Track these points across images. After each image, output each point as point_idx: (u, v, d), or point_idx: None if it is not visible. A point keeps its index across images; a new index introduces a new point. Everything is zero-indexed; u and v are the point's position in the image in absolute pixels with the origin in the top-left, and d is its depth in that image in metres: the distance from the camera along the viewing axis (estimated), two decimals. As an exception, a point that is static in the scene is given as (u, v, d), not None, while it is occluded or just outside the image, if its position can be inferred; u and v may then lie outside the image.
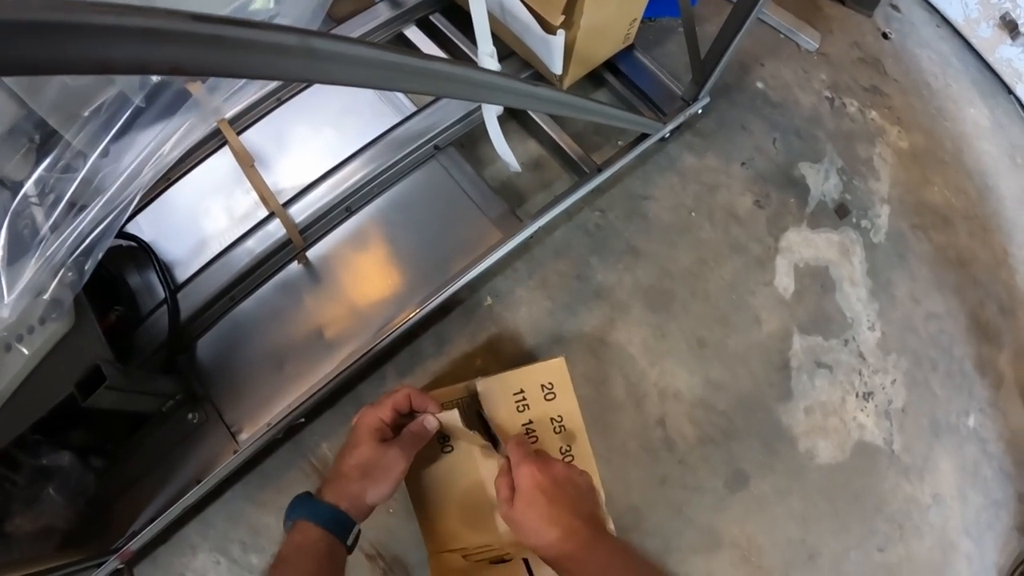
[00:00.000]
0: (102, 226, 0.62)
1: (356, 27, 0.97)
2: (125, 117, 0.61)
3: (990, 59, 1.42)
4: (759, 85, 1.10)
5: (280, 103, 0.97)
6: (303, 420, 0.80)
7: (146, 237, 0.85)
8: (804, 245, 1.01)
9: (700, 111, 0.94)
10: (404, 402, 0.58)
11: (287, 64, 0.30)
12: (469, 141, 0.98)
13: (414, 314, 0.82)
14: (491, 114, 0.82)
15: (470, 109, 0.90)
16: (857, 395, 1.00)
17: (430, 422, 0.58)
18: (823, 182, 1.06)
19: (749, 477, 0.91)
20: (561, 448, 0.69)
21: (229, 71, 0.27)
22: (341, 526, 0.49)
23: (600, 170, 0.89)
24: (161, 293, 0.81)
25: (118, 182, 0.65)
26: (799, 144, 1.07)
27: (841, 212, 1.06)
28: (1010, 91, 1.43)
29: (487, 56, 0.76)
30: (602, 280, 0.91)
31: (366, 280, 0.85)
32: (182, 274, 0.84)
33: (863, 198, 1.08)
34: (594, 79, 1.01)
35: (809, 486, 0.95)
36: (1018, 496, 1.13)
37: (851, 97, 1.16)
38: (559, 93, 0.67)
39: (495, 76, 0.54)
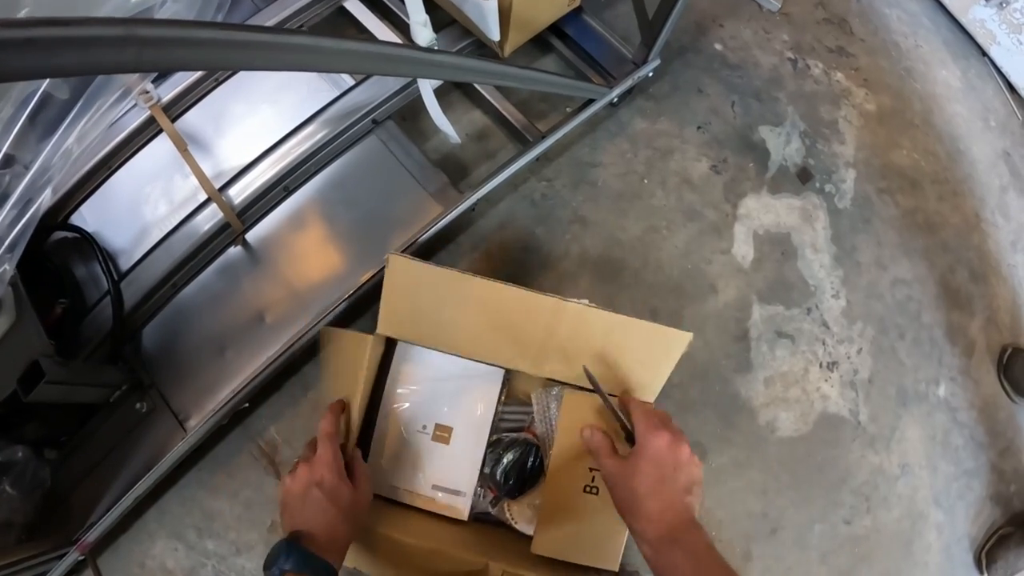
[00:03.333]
0: (24, 219, 0.61)
1: (291, 2, 0.94)
2: (49, 112, 0.61)
3: (963, 20, 1.40)
4: (717, 47, 1.08)
5: (218, 83, 0.97)
6: (247, 405, 0.82)
7: (89, 228, 0.86)
8: (764, 211, 0.99)
9: (651, 74, 0.93)
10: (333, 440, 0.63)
11: (192, 55, 0.32)
12: (411, 114, 0.96)
13: (351, 293, 0.83)
14: (426, 86, 0.82)
15: (408, 81, 0.89)
16: (821, 365, 0.98)
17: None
18: (784, 146, 1.04)
19: (707, 450, 0.90)
20: None
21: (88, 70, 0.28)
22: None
23: (544, 138, 0.86)
24: (106, 283, 0.82)
25: (31, 172, 0.63)
26: (759, 107, 1.05)
27: (804, 176, 1.04)
28: (983, 52, 1.42)
29: (420, 26, 0.76)
30: (548, 250, 0.89)
31: (306, 260, 0.86)
32: (126, 263, 0.85)
33: (827, 162, 1.07)
34: (540, 45, 0.99)
35: (770, 458, 0.94)
36: (991, 466, 1.12)
37: (815, 58, 1.14)
38: (491, 64, 0.67)
39: (413, 51, 0.55)
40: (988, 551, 1.10)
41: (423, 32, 0.78)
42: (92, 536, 0.74)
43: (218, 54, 0.33)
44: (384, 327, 0.72)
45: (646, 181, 0.97)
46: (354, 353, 0.70)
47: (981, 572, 1.10)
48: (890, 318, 1.07)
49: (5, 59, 0.24)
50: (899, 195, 1.14)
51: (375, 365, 0.75)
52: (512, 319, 0.68)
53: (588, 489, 0.67)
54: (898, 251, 1.11)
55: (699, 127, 1.02)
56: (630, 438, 0.58)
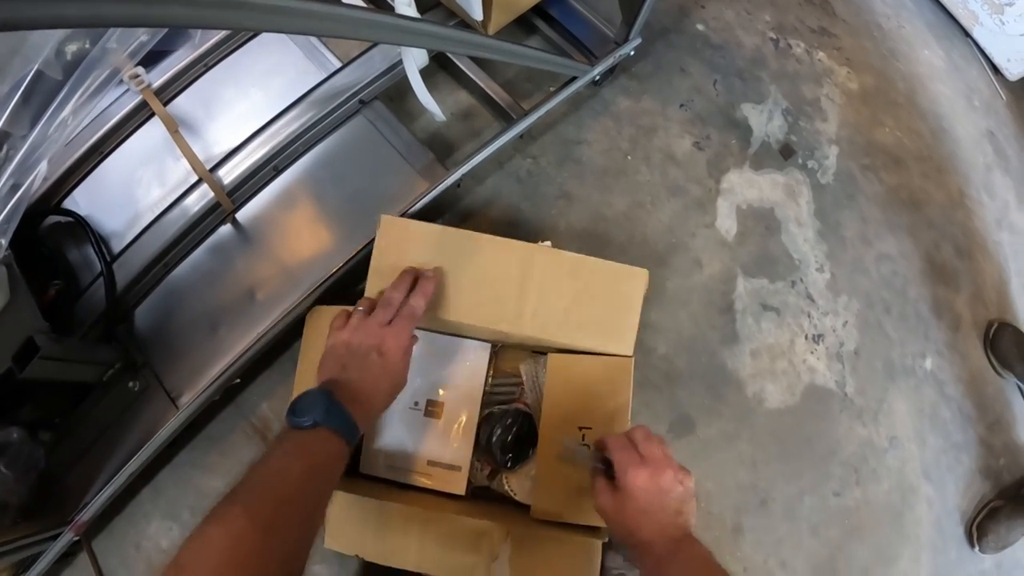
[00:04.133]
0: (17, 195, 0.63)
1: None
2: (43, 92, 0.62)
3: (946, 1, 1.42)
4: (699, 27, 1.10)
5: (207, 68, 1.00)
6: (239, 381, 0.82)
7: (82, 211, 0.87)
8: (747, 186, 1.01)
9: (632, 53, 0.94)
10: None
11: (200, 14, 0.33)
12: (398, 94, 0.97)
13: (339, 269, 0.84)
14: (411, 64, 0.85)
15: (394, 62, 0.91)
16: (807, 337, 1.00)
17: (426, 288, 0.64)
18: (767, 123, 1.06)
19: (695, 422, 0.92)
20: None
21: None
22: (355, 441, 0.52)
23: (527, 115, 0.87)
24: (99, 265, 0.84)
25: (23, 148, 0.64)
26: (741, 86, 1.07)
27: (786, 153, 1.06)
28: (967, 33, 1.44)
29: (404, 5, 0.78)
30: (534, 226, 0.91)
31: (295, 238, 0.88)
32: (118, 245, 0.86)
33: (810, 139, 1.09)
34: (524, 26, 1.01)
35: (758, 430, 0.95)
36: (979, 439, 1.14)
37: (797, 38, 1.16)
38: (472, 35, 0.68)
39: (399, 19, 0.57)
40: (979, 524, 1.11)
41: (407, 11, 0.80)
42: (85, 516, 0.75)
43: (210, 13, 0.34)
44: (372, 292, 0.73)
45: (630, 158, 0.98)
46: None
47: (972, 545, 1.11)
48: (876, 292, 1.09)
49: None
50: (883, 172, 1.16)
51: None
52: (489, 270, 0.69)
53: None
54: (883, 227, 1.12)
55: (682, 105, 1.04)
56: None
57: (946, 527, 1.09)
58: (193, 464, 0.84)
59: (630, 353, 0.69)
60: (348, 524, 0.71)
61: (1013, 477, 1.17)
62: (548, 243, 0.72)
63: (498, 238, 0.69)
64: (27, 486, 0.72)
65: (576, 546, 0.68)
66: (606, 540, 0.69)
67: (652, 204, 0.97)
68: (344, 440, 0.50)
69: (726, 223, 1.00)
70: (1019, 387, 1.20)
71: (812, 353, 1.02)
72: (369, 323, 0.59)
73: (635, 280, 0.69)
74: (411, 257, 0.70)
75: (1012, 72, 1.41)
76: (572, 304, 0.69)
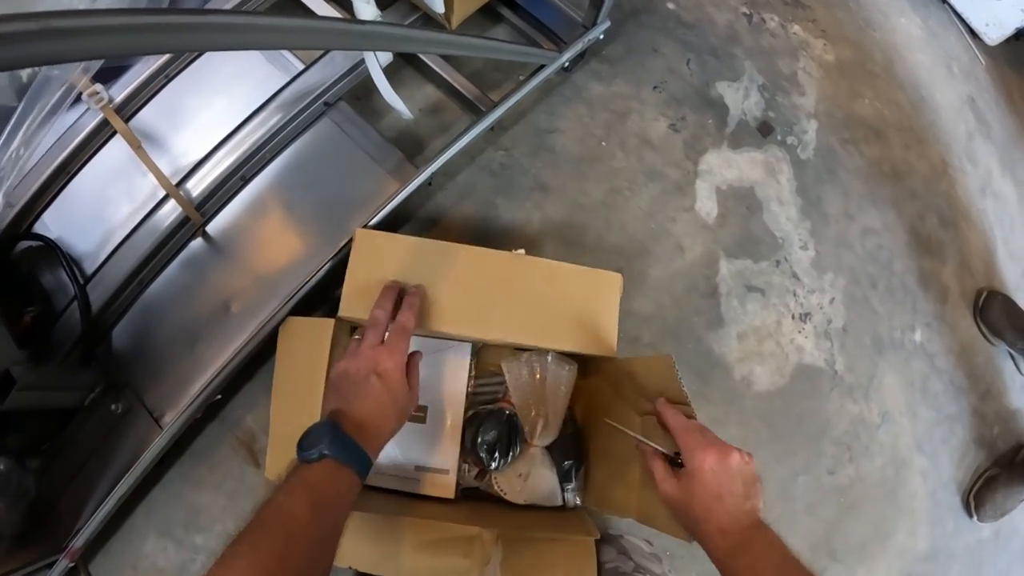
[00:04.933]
0: None
1: None
2: None
3: (920, -33, 1.39)
4: (670, 6, 1.08)
5: (169, 79, 0.97)
6: (220, 397, 0.81)
7: (52, 234, 0.86)
8: (726, 166, 0.99)
9: (601, 36, 0.93)
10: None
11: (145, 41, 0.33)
12: (364, 92, 0.96)
13: (312, 277, 0.83)
14: (373, 64, 0.84)
15: (357, 60, 0.90)
16: (793, 317, 0.99)
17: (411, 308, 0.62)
18: (743, 100, 1.04)
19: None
20: None
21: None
22: (366, 471, 0.51)
23: (496, 106, 0.85)
24: (73, 289, 0.83)
25: None
26: (715, 64, 1.05)
27: (764, 130, 1.04)
28: (943, 0, 1.41)
29: (363, 3, 0.77)
30: (510, 220, 0.89)
31: (267, 248, 0.86)
32: (91, 266, 0.85)
33: (788, 114, 1.07)
34: (491, 15, 0.99)
35: (748, 413, 0.94)
36: (972, 409, 1.13)
37: (770, 12, 1.14)
38: (432, 33, 0.67)
39: (352, 24, 0.55)
40: (976, 494, 1.12)
41: (366, 8, 0.79)
42: (79, 542, 0.73)
43: (139, 39, 0.34)
44: (347, 308, 0.71)
45: (604, 144, 0.97)
46: (318, 339, 0.70)
47: (971, 515, 1.11)
48: (861, 267, 1.08)
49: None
50: (863, 145, 1.15)
51: (340, 354, 0.75)
52: (465, 279, 0.69)
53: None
54: (865, 200, 1.11)
55: (655, 87, 1.02)
56: (677, 457, 0.55)
57: (942, 499, 1.09)
58: (183, 480, 0.84)
59: (613, 353, 0.69)
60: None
61: (1007, 445, 1.17)
62: (522, 251, 0.71)
63: (473, 248, 0.68)
64: (19, 515, 0.71)
65: (570, 546, 0.67)
66: (598, 537, 0.68)
67: (630, 190, 0.95)
68: (354, 470, 0.49)
69: (706, 205, 0.99)
70: (1011, 354, 1.20)
71: (800, 332, 1.01)
72: (362, 348, 0.58)
73: (610, 283, 0.69)
74: (386, 270, 0.69)
75: (991, 36, 1.39)
76: (550, 309, 0.68)
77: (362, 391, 0.55)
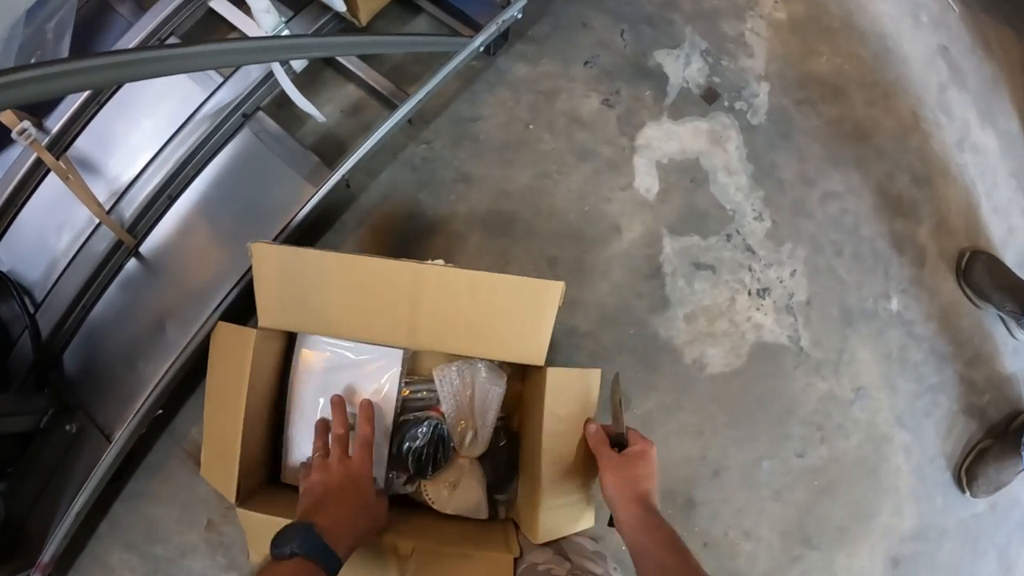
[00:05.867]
0: None
1: (162, 9, 0.98)
2: None
3: (882, -90, 1.30)
4: (601, -23, 1.01)
5: (100, 106, 0.97)
6: (161, 411, 0.82)
7: (4, 267, 0.90)
8: (666, 139, 0.94)
9: (519, 15, 0.89)
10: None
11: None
12: (286, 101, 0.94)
13: (234, 288, 0.84)
14: (280, 73, 0.83)
15: (269, 71, 0.87)
16: (750, 293, 0.94)
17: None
18: (684, 68, 0.99)
19: (629, 398, 0.88)
20: None
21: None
22: (336, 573, 0.55)
23: (408, 99, 0.83)
24: (24, 318, 0.86)
25: None
26: (652, 32, 1.00)
27: (709, 97, 0.99)
28: (910, -57, 1.31)
29: (262, 13, 0.78)
30: (434, 215, 0.87)
31: (195, 263, 0.88)
32: (40, 293, 0.88)
33: (735, 78, 1.01)
34: (409, 7, 0.96)
35: (702, 398, 0.90)
36: (959, 377, 1.07)
37: (713, -27, 1.07)
38: (327, 38, 0.68)
39: (245, 42, 0.56)
40: (967, 468, 1.05)
41: (266, 18, 0.79)
42: (46, 557, 0.76)
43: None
44: (264, 319, 0.70)
45: (531, 127, 0.93)
46: (243, 346, 0.69)
47: (962, 490, 1.04)
48: (823, 235, 1.02)
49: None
50: (821, 104, 1.08)
51: (272, 361, 0.74)
52: (378, 291, 0.67)
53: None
54: (825, 163, 1.05)
55: (586, 63, 0.98)
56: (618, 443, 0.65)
57: (928, 474, 1.03)
58: (140, 494, 0.86)
59: (541, 362, 0.67)
60: (268, 540, 0.69)
61: (1000, 413, 1.09)
62: (441, 261, 0.69)
63: (386, 260, 0.66)
64: None
65: (486, 563, 0.65)
66: (517, 555, 0.66)
67: (559, 173, 0.91)
68: (323, 569, 0.52)
69: (645, 181, 0.94)
70: (1000, 317, 1.11)
71: (758, 309, 0.96)
72: (329, 462, 0.63)
73: (548, 293, 0.65)
74: (294, 284, 0.67)
75: (964, -21, 1.29)
76: (473, 319, 0.66)
77: (335, 498, 0.60)
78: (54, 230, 0.90)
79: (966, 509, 1.05)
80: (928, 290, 1.07)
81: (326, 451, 0.66)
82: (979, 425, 1.07)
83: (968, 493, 1.04)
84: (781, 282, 0.98)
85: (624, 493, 0.59)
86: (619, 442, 0.64)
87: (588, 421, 0.67)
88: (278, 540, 0.53)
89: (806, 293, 0.99)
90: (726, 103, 1.02)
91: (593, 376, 0.67)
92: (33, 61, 0.79)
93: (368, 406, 0.69)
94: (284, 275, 0.68)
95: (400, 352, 0.74)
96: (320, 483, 0.62)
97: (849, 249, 1.03)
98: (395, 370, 0.74)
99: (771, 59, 1.08)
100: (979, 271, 1.08)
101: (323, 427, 0.67)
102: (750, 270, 0.96)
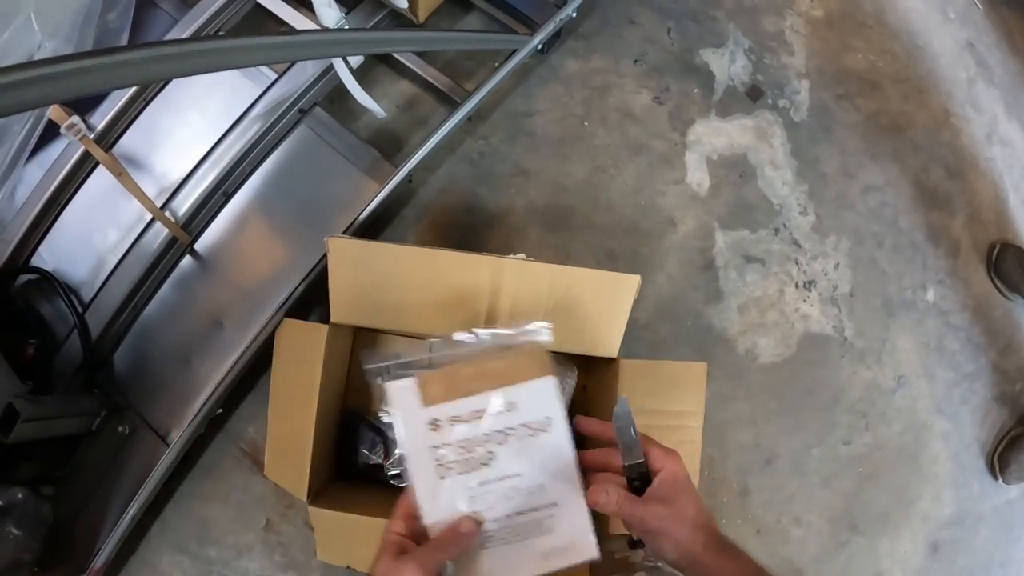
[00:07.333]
0: None
1: (207, 6, 0.98)
2: None
3: (908, -91, 1.32)
4: (645, -26, 1.03)
5: (147, 102, 0.96)
6: (221, 411, 0.83)
7: (49, 266, 0.89)
8: (715, 135, 0.96)
9: (574, 14, 0.91)
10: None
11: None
12: (339, 96, 0.96)
13: (299, 286, 0.83)
14: (341, 67, 0.83)
15: (327, 66, 0.90)
16: (797, 285, 0.96)
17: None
18: (729, 65, 1.01)
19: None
20: None
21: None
22: None
23: (470, 96, 0.84)
24: (71, 317, 0.85)
25: None
26: (697, 29, 1.01)
27: (754, 94, 1.00)
28: (935, -59, 1.34)
29: (324, 7, 0.78)
30: (493, 208, 0.87)
31: (254, 261, 0.88)
32: (88, 293, 0.88)
33: (777, 75, 1.03)
34: (462, 3, 0.97)
35: (754, 387, 0.92)
36: (992, 366, 1.09)
37: (751, -29, 1.09)
38: (394, 32, 0.71)
39: (313, 35, 0.58)
40: (1000, 455, 1.08)
41: (328, 13, 0.80)
42: (99, 562, 0.76)
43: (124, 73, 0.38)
44: (337, 314, 0.71)
45: (586, 123, 0.94)
46: (313, 343, 0.69)
47: (995, 477, 1.07)
48: (865, 227, 1.04)
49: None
50: (859, 99, 1.10)
51: (342, 357, 0.74)
52: (456, 285, 0.68)
53: None
54: (864, 157, 1.07)
55: (635, 60, 0.99)
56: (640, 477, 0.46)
57: (966, 461, 1.06)
58: (193, 495, 0.86)
59: (615, 354, 0.68)
60: (337, 538, 0.71)
61: (1032, 401, 1.12)
62: (522, 255, 0.69)
63: (467, 254, 0.66)
64: (38, 541, 0.75)
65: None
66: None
67: (615, 167, 0.92)
68: None
69: (696, 176, 0.95)
70: (1029, 307, 1.14)
71: (805, 300, 0.98)
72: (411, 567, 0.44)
73: (625, 285, 0.66)
74: (369, 279, 0.68)
75: (987, -24, 1.32)
76: (552, 312, 0.67)
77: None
78: (101, 228, 0.90)
79: (1000, 496, 1.08)
80: (963, 280, 1.10)
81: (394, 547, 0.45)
82: (1011, 413, 1.10)
83: (1001, 480, 1.07)
84: (826, 274, 1.00)
85: (684, 537, 0.42)
86: (640, 473, 0.44)
87: (593, 485, 0.43)
88: None
89: (849, 284, 1.01)
90: (770, 100, 1.04)
91: (669, 367, 0.68)
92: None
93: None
94: (359, 270, 0.69)
95: (551, 381, 0.44)
96: None
97: (889, 241, 1.05)
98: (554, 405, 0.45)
99: (810, 56, 1.10)
100: (1009, 263, 1.11)
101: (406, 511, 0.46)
102: (796, 263, 0.98)
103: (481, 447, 0.40)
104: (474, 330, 0.44)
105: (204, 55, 0.45)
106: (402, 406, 0.40)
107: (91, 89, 0.38)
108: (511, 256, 0.67)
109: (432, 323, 0.69)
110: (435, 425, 0.40)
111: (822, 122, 1.06)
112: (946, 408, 1.05)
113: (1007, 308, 1.13)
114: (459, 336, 0.43)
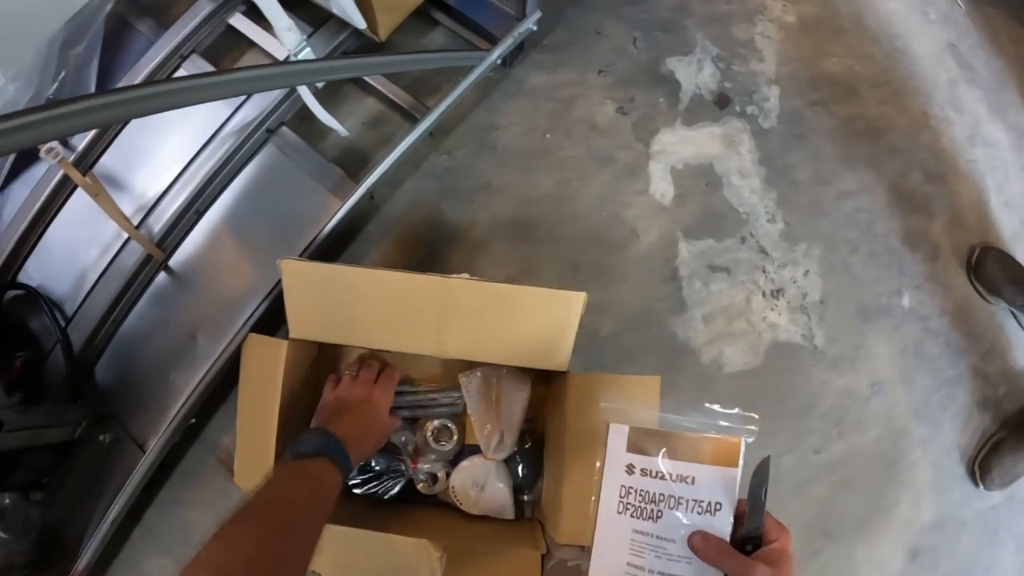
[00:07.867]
0: None
1: (182, 27, 1.00)
2: None
3: (889, -92, 1.31)
4: (613, -16, 1.03)
5: (124, 124, 0.99)
6: (194, 420, 0.85)
7: (34, 281, 0.92)
8: (680, 144, 0.96)
9: (534, 27, 0.91)
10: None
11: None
12: (308, 114, 0.97)
13: (264, 300, 0.86)
14: (304, 91, 0.85)
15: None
16: (764, 294, 0.96)
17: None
18: (696, 74, 1.01)
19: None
20: None
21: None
22: (348, 476, 0.60)
23: (429, 112, 0.85)
24: (55, 331, 0.89)
25: None
26: (665, 38, 1.02)
27: (722, 102, 1.01)
28: (917, -60, 1.32)
29: (285, 31, 0.79)
30: (457, 223, 0.89)
31: (225, 276, 0.91)
32: (71, 308, 0.91)
33: (746, 83, 1.03)
34: (426, 20, 0.98)
35: (721, 396, 0.91)
36: (973, 371, 1.08)
37: (723, -22, 1.09)
38: (348, 60, 0.71)
39: (269, 68, 0.60)
40: (981, 461, 1.06)
41: (288, 36, 0.81)
42: (81, 565, 0.79)
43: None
44: (295, 331, 0.73)
45: (549, 135, 0.95)
46: (274, 357, 0.72)
47: (976, 484, 1.06)
48: (838, 234, 1.03)
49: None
50: (834, 105, 1.10)
51: (301, 370, 0.76)
52: (406, 304, 0.70)
53: None
54: (839, 163, 1.06)
55: (601, 71, 1.00)
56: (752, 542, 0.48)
57: (946, 467, 1.05)
58: (175, 501, 0.89)
59: (565, 368, 0.69)
60: None
61: (1015, 406, 1.11)
62: (466, 275, 0.71)
63: (412, 275, 0.69)
64: (28, 545, 0.79)
65: (515, 559, 0.68)
66: (544, 552, 0.68)
67: (579, 179, 0.93)
68: (339, 470, 0.55)
69: (661, 186, 0.96)
70: (1012, 312, 1.12)
71: (772, 309, 0.98)
72: (358, 381, 0.71)
73: (571, 303, 0.68)
74: (323, 298, 0.71)
75: (971, -25, 1.30)
76: (499, 329, 0.69)
77: (355, 413, 0.66)
78: (83, 246, 0.93)
79: (983, 501, 1.06)
80: (942, 285, 1.09)
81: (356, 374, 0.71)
82: (993, 418, 1.09)
83: (982, 487, 1.05)
84: (795, 282, 1.00)
85: None
86: (754, 538, 0.47)
87: (696, 535, 0.46)
88: (300, 440, 0.57)
89: (820, 292, 1.01)
90: (738, 108, 1.04)
91: (620, 380, 0.69)
92: (54, 87, 0.82)
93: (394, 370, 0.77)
94: (313, 289, 0.71)
95: (735, 473, 0.51)
96: (340, 397, 0.69)
97: (864, 247, 1.04)
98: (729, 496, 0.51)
99: (782, 62, 1.09)
100: (990, 266, 1.09)
101: (361, 359, 0.75)
102: (764, 271, 0.98)
103: (654, 504, 0.48)
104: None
105: (163, 96, 0.49)
106: (612, 446, 0.50)
107: (48, 138, 0.41)
108: (455, 276, 0.68)
109: (387, 339, 0.72)
110: (630, 469, 0.49)
111: (794, 129, 1.06)
112: (925, 414, 1.04)
113: (989, 312, 1.12)
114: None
